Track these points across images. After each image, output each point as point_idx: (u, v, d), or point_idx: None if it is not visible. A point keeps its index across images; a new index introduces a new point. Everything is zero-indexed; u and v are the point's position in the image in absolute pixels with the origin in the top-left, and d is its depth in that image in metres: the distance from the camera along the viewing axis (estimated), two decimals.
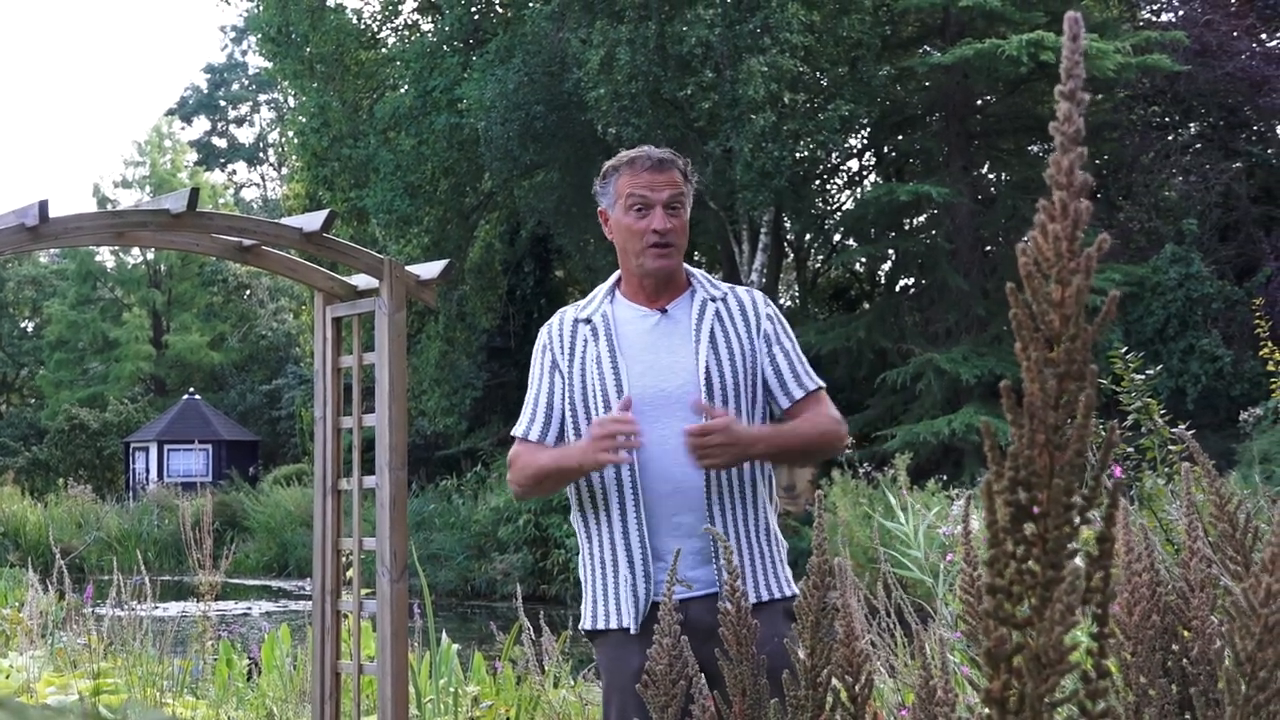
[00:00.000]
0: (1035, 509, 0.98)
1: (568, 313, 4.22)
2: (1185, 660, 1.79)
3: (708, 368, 3.98)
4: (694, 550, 3.90)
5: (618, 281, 4.19)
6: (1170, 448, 6.30)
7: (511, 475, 4.22)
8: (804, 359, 4.18)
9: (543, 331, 4.23)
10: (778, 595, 4.01)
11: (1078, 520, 0.98)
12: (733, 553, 2.07)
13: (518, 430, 4.21)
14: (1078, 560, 0.99)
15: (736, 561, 3.92)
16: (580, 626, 4.16)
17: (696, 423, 3.89)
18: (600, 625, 4.05)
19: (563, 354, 4.12)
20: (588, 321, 4.11)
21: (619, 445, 3.84)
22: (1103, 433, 1.04)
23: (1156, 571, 1.81)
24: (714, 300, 4.11)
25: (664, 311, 4.08)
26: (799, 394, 4.10)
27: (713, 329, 4.05)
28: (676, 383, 3.98)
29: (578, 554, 4.22)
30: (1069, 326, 0.97)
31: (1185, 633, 1.82)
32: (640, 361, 4.01)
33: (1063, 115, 0.98)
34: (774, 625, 3.79)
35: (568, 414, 4.11)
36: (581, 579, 4.19)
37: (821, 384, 4.17)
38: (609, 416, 3.90)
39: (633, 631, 3.94)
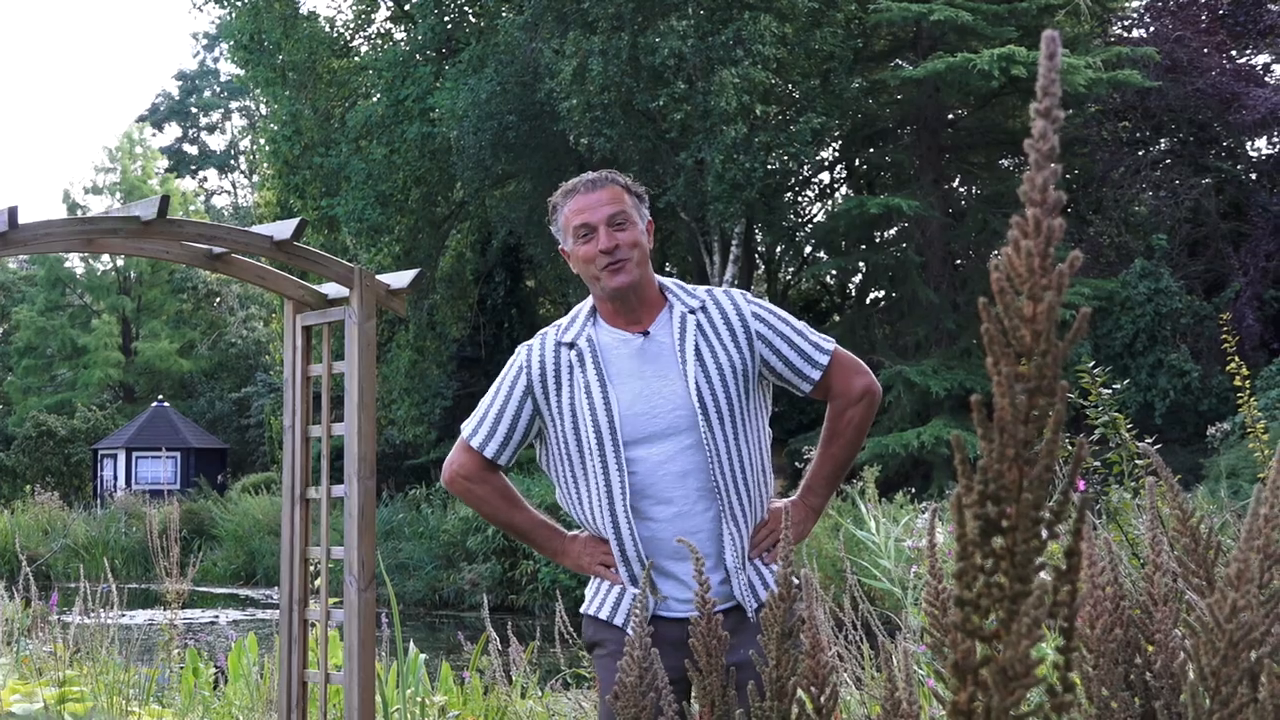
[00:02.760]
0: (1004, 523, 0.99)
1: (549, 335, 4.13)
2: (1148, 673, 1.80)
3: (698, 388, 3.93)
4: (690, 572, 3.89)
5: (595, 307, 4.12)
6: (1137, 462, 6.33)
7: (459, 487, 4.23)
8: (808, 333, 4.12)
9: (521, 351, 4.16)
10: None
11: (1045, 534, 0.99)
12: (704, 565, 2.07)
13: (469, 435, 4.19)
14: (1044, 574, 1.00)
15: (723, 575, 3.94)
16: (584, 610, 4.14)
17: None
18: (593, 611, 4.08)
19: (544, 382, 4.05)
20: (571, 346, 4.04)
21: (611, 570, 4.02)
22: (1071, 447, 1.05)
23: (1120, 585, 1.82)
24: (693, 312, 4.04)
25: (646, 334, 4.02)
26: (816, 374, 4.07)
27: (697, 345, 3.99)
28: (668, 407, 3.94)
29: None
30: (1040, 342, 0.98)
31: (1148, 646, 1.83)
32: (629, 389, 3.96)
33: (1037, 132, 0.99)
34: None
35: (558, 447, 4.07)
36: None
37: (830, 350, 4.11)
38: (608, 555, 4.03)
39: None
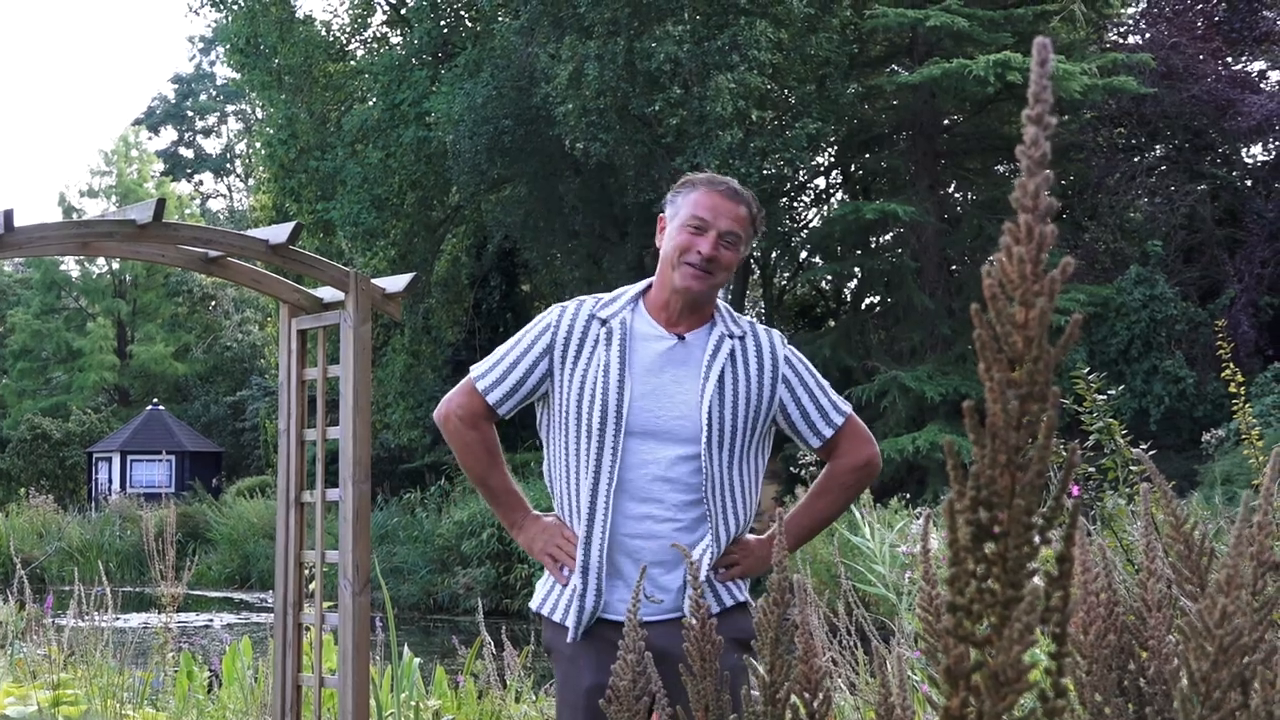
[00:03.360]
0: (996, 528, 0.99)
1: (586, 304, 4.12)
2: (1142, 679, 1.80)
3: (710, 408, 3.94)
4: (656, 575, 3.90)
5: (645, 290, 4.13)
6: (1132, 468, 6.33)
7: (451, 426, 4.22)
8: (828, 391, 4.21)
9: (554, 310, 4.15)
10: (740, 599, 4.01)
11: (1037, 540, 0.99)
12: (698, 569, 2.06)
13: (476, 377, 4.17)
14: (1037, 579, 1.00)
15: (680, 583, 3.93)
16: (536, 606, 4.16)
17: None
18: (546, 612, 4.09)
19: (566, 346, 4.04)
20: (604, 322, 4.03)
21: (562, 565, 4.05)
22: (1064, 453, 1.06)
23: (1114, 590, 1.82)
24: (732, 338, 4.06)
25: (681, 338, 4.03)
26: (828, 433, 4.16)
27: (724, 369, 4.00)
28: (675, 414, 3.95)
29: (544, 567, 4.19)
30: (1032, 348, 0.98)
31: (1142, 652, 1.83)
32: (645, 383, 3.97)
33: (1029, 139, 0.99)
34: (740, 625, 3.83)
35: (559, 415, 4.05)
36: None
37: (847, 413, 4.21)
38: (568, 543, 4.04)
39: (570, 639, 3.95)
